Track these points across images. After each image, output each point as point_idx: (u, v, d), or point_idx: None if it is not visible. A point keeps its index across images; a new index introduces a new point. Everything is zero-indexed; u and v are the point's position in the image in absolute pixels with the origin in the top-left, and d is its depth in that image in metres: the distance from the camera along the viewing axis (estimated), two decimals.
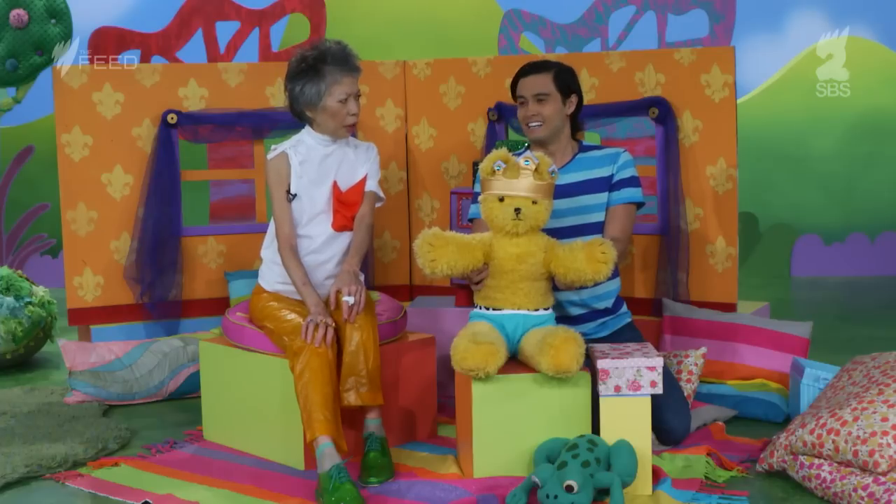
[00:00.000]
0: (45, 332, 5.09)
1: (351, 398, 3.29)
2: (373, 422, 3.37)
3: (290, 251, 3.53)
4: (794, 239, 7.54)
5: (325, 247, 3.57)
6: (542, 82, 3.66)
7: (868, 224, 7.47)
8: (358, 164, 3.64)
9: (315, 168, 3.57)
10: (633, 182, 3.71)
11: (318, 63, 3.47)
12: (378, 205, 3.71)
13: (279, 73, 3.62)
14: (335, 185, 3.58)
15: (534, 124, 3.68)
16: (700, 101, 4.31)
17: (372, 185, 3.65)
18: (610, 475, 2.96)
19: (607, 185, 3.69)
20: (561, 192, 3.59)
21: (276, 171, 3.58)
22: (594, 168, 3.71)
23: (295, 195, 3.56)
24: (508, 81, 3.74)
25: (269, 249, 3.65)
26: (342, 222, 3.58)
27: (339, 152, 3.61)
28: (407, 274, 4.99)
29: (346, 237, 3.59)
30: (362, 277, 3.72)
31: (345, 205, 3.59)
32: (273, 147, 3.64)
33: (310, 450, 3.26)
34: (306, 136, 3.61)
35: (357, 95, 3.54)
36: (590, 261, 3.22)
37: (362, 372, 3.31)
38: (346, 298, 3.36)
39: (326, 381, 3.24)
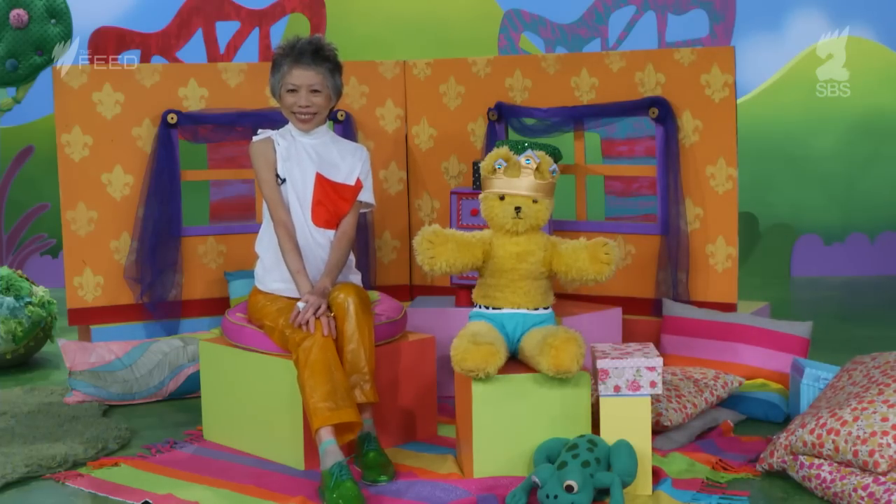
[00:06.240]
0: (45, 332, 5.08)
1: (356, 396, 3.28)
2: (367, 421, 3.37)
3: (287, 235, 3.48)
4: (794, 239, 7.53)
5: (309, 247, 3.52)
6: None
7: (868, 224, 7.46)
8: (342, 164, 3.60)
9: (297, 158, 3.55)
10: None
11: (281, 57, 3.54)
12: (364, 210, 3.70)
13: None
14: (318, 176, 3.55)
15: None
16: (700, 101, 4.31)
17: (366, 196, 3.63)
18: (610, 475, 2.96)
19: None
20: None
21: (262, 155, 3.56)
22: None
23: (284, 179, 3.54)
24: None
25: (263, 248, 3.62)
26: (325, 216, 3.55)
27: (321, 147, 3.59)
28: (407, 274, 4.99)
29: (329, 235, 3.56)
30: (359, 277, 3.71)
31: (329, 197, 3.55)
32: (259, 131, 3.63)
33: (311, 447, 3.25)
34: (290, 127, 3.62)
35: (312, 89, 3.50)
36: (593, 261, 3.22)
37: (364, 370, 3.31)
38: (298, 304, 3.32)
39: (332, 367, 3.21)
